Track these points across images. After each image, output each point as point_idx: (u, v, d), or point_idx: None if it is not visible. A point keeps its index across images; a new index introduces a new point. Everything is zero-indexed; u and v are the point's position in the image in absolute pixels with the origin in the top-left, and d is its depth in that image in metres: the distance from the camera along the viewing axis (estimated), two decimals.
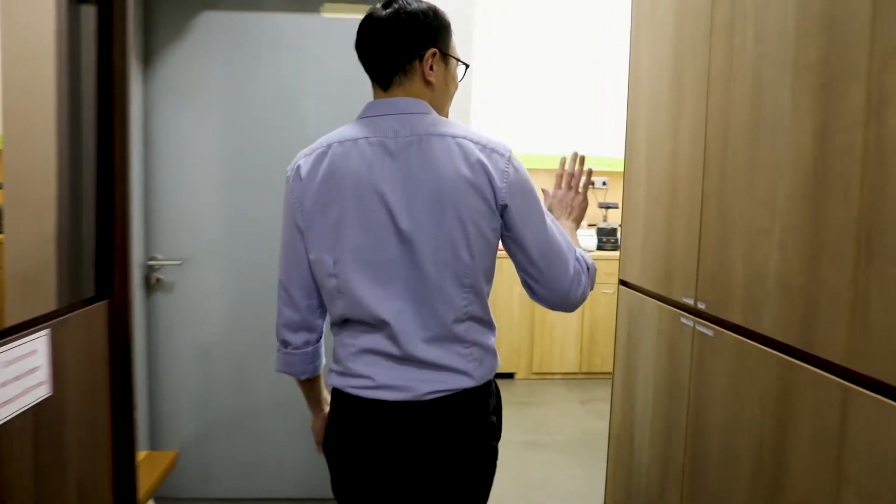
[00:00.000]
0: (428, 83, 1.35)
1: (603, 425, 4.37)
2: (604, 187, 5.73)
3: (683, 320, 1.88)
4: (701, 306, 1.79)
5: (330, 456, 1.43)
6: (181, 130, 2.81)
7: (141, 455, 2.44)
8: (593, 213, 5.72)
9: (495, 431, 1.42)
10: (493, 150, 1.30)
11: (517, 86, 5.54)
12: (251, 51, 2.81)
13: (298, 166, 1.36)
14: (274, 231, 2.83)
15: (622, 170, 5.62)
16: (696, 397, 1.80)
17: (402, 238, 1.27)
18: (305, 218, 1.33)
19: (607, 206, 5.55)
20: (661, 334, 2.04)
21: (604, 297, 5.20)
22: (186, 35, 2.77)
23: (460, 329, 1.32)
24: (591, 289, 1.41)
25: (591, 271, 1.41)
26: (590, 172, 1.61)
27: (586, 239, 5.27)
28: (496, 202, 1.28)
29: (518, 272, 1.38)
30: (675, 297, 1.95)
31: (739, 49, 1.61)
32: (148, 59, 2.76)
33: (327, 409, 1.54)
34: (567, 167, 1.63)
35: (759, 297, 1.51)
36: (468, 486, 1.37)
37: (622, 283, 2.41)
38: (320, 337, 1.49)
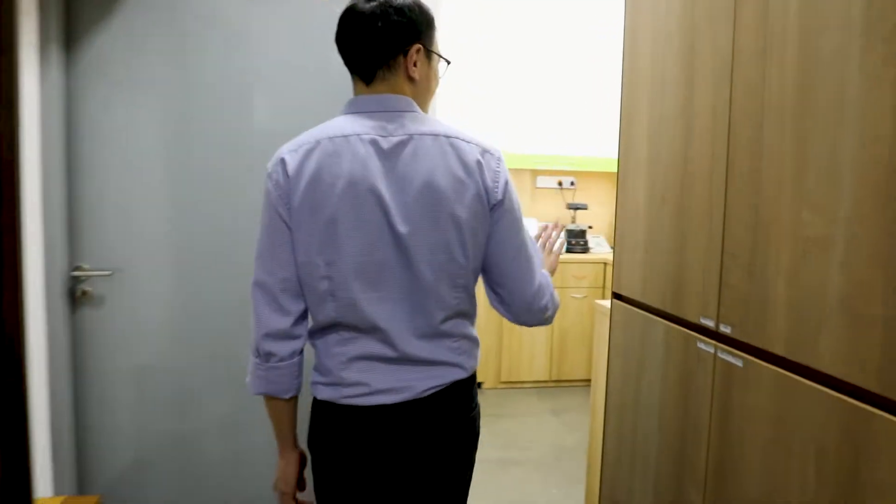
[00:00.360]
0: (411, 79, 1.32)
1: (577, 438, 4.06)
2: (572, 187, 5.43)
3: (701, 345, 1.56)
4: (725, 330, 1.46)
5: (324, 472, 1.36)
6: (113, 122, 2.39)
7: (56, 503, 2.03)
8: (561, 214, 5.42)
9: (479, 414, 1.44)
10: (485, 150, 1.30)
11: (480, 83, 5.19)
12: (194, 32, 2.42)
13: (283, 161, 1.26)
14: (221, 234, 2.54)
15: (591, 169, 5.42)
16: (721, 437, 1.48)
17: (398, 240, 1.24)
18: (294, 217, 1.25)
19: (576, 207, 5.25)
20: (671, 359, 1.71)
21: (574, 303, 4.90)
22: (117, 13, 2.36)
23: (448, 325, 1.32)
24: (551, 318, 1.43)
25: (554, 300, 1.42)
26: (564, 238, 1.51)
27: None
28: (489, 202, 1.28)
29: (484, 277, 1.39)
30: (689, 317, 1.62)
31: (779, 12, 1.29)
32: (71, 41, 2.34)
33: (297, 453, 1.44)
34: (545, 233, 1.64)
35: (813, 323, 1.19)
36: (463, 465, 1.39)
37: (616, 296, 2.08)
38: (303, 347, 1.37)
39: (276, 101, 2.50)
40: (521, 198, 5.39)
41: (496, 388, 4.91)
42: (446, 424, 1.34)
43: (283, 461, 1.42)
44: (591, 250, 5.20)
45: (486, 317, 4.78)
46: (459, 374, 1.34)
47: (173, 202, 2.48)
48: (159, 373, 2.51)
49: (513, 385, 4.94)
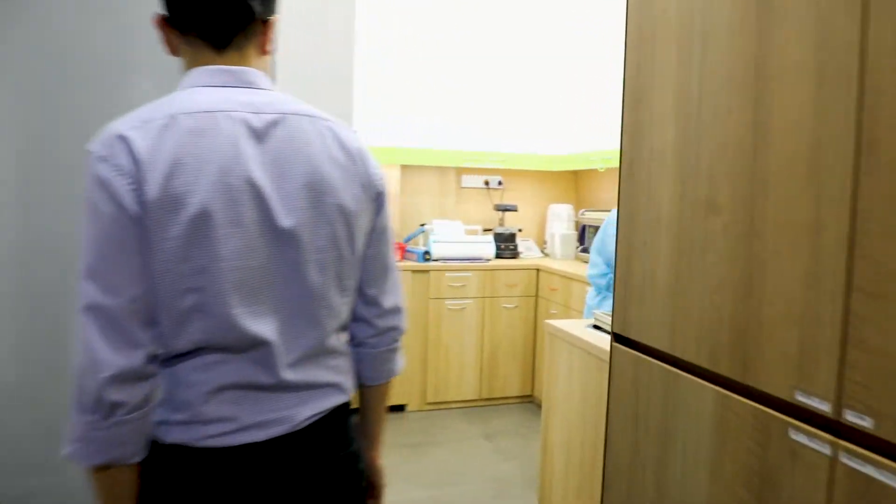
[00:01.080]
0: (263, 53, 1.12)
1: (514, 467, 3.46)
2: (500, 187, 4.83)
3: (800, 438, 0.95)
4: (857, 422, 0.86)
5: None
6: None
7: None
8: (489, 216, 4.81)
9: (361, 450, 1.22)
10: (358, 137, 1.16)
11: (400, 73, 4.50)
12: None
13: (126, 140, 0.95)
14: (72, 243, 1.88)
15: (520, 167, 4.83)
16: None
17: (281, 237, 1.02)
18: (149, 214, 0.95)
19: (505, 209, 4.65)
20: (729, 443, 1.09)
21: (504, 313, 4.30)
22: None
23: (334, 340, 1.13)
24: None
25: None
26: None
27: (483, 246, 4.35)
28: (373, 191, 1.15)
29: (363, 280, 1.20)
30: (770, 388, 1.01)
31: None
32: None
33: None
34: None
35: None
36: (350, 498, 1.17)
37: (617, 338, 1.44)
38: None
39: (160, 79, 1.83)
40: (446, 199, 4.75)
41: (421, 411, 4.23)
42: (327, 461, 1.12)
43: None
44: (521, 255, 4.62)
45: (412, 331, 4.10)
46: (340, 398, 1.15)
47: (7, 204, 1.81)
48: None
49: (439, 406, 4.28)
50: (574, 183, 5.05)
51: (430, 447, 3.71)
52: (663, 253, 1.25)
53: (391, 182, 4.54)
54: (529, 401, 4.44)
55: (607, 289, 2.71)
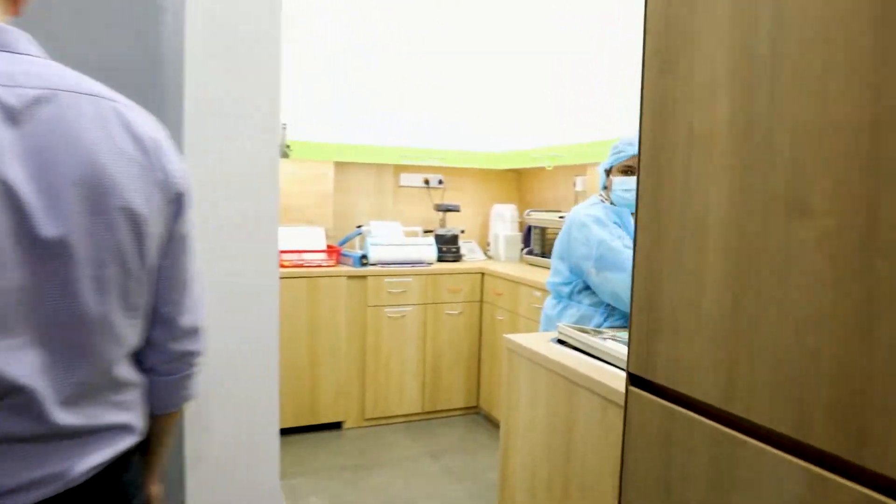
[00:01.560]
0: (15, 13, 0.88)
1: (465, 489, 3.09)
2: (440, 186, 4.45)
3: None
4: None
5: None
6: None
7: None
8: (429, 217, 4.42)
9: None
10: (158, 123, 0.96)
11: (334, 66, 4.06)
12: None
13: None
14: None
15: (459, 165, 4.46)
16: None
17: (43, 251, 0.80)
18: None
19: (446, 209, 4.27)
20: None
21: (448, 320, 3.92)
22: None
23: (121, 370, 0.93)
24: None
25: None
26: None
27: (424, 248, 3.96)
28: (171, 192, 0.94)
29: (155, 297, 0.99)
30: None
31: None
32: None
33: None
34: None
35: None
36: None
37: (634, 379, 1.08)
38: None
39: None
40: (383, 198, 4.35)
41: (360, 428, 3.80)
42: None
43: None
44: (463, 258, 4.26)
45: (347, 342, 3.67)
46: (129, 440, 0.94)
47: None
48: None
49: (380, 422, 3.86)
50: (517, 182, 4.73)
51: (372, 469, 3.30)
52: (712, 268, 0.89)
53: (324, 181, 4.09)
54: (475, 412, 4.09)
55: (569, 298, 2.37)
